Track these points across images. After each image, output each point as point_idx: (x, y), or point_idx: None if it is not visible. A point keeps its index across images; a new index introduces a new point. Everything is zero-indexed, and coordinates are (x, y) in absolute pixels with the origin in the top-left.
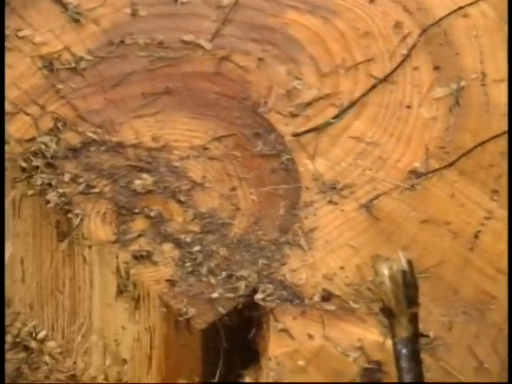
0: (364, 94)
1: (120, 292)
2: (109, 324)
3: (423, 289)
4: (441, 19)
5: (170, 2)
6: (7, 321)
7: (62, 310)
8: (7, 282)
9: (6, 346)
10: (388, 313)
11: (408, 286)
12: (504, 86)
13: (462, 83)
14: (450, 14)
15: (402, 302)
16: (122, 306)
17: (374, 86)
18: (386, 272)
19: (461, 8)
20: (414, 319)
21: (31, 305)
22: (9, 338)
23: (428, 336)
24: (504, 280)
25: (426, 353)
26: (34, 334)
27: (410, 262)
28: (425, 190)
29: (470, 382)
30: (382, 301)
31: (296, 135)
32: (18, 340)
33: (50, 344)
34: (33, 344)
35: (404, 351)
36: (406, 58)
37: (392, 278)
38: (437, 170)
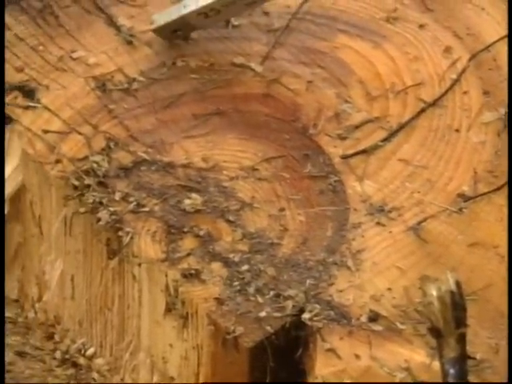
0: (413, 118)
1: (168, 310)
2: (157, 342)
3: (470, 311)
4: (490, 45)
5: (222, 25)
6: (57, 338)
7: (110, 327)
8: (57, 300)
9: (56, 363)
10: (436, 333)
11: (456, 306)
12: None
13: None
14: (499, 40)
15: (450, 323)
16: (171, 323)
17: (422, 110)
18: (434, 292)
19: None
20: (462, 340)
21: (80, 322)
22: (58, 355)
23: (475, 358)
24: None
25: (473, 374)
26: (82, 351)
27: (458, 283)
28: (473, 213)
29: (470, 381)
30: (431, 321)
31: (345, 157)
32: (67, 357)
33: (99, 361)
34: (81, 361)
35: (452, 371)
36: (456, 82)
37: (440, 298)
38: (485, 193)
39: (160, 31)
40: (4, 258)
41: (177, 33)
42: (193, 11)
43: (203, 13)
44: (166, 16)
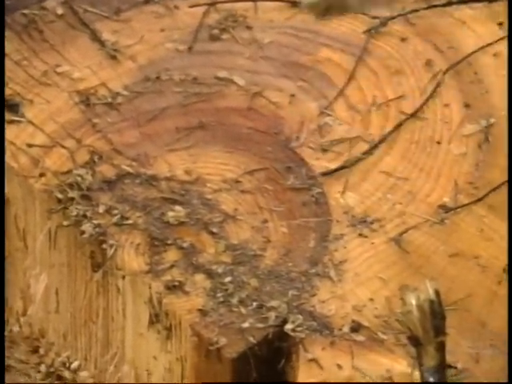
0: (393, 131)
1: (152, 322)
2: (141, 354)
3: (451, 321)
4: (467, 56)
5: (205, 39)
6: (41, 351)
7: (95, 340)
8: (42, 313)
9: (40, 376)
10: (415, 342)
11: (435, 315)
12: None
13: (492, 120)
14: (476, 51)
15: (429, 331)
16: (154, 335)
17: (400, 124)
18: (413, 301)
19: (488, 45)
20: (441, 348)
21: (65, 335)
22: (43, 368)
23: (455, 367)
24: None
25: None
26: (67, 364)
27: (437, 292)
28: (454, 224)
29: (470, 382)
30: (410, 330)
31: (325, 174)
32: (51, 370)
33: (83, 374)
34: (66, 374)
35: (431, 380)
36: (432, 94)
37: (419, 307)
38: (466, 204)
39: (312, 8)
40: (4, 259)
41: (330, 11)
42: None
43: None
44: None
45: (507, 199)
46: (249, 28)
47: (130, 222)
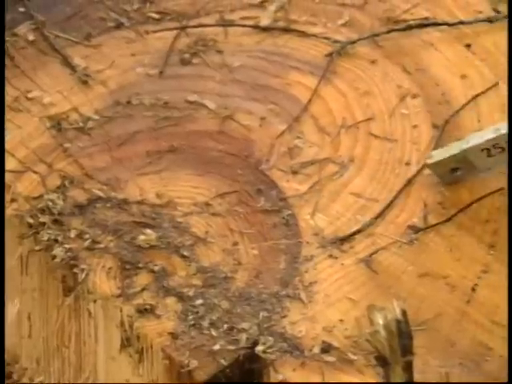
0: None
1: (124, 345)
2: (113, 377)
3: (421, 341)
4: (460, 108)
5: (176, 63)
6: (15, 377)
7: (68, 364)
8: (15, 339)
9: None
10: (383, 361)
11: (402, 334)
12: None
13: None
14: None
15: (396, 351)
16: (126, 359)
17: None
18: (380, 321)
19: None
20: (408, 368)
21: (38, 360)
22: None
23: None
24: (500, 332)
25: None
26: None
27: (404, 312)
28: (423, 244)
29: (469, 382)
30: (377, 349)
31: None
32: None
33: None
34: None
35: None
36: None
37: (386, 326)
38: (435, 225)
39: (436, 167)
40: (4, 258)
41: (456, 172)
42: (475, 146)
43: (486, 149)
44: (445, 151)
45: (507, 201)
46: (219, 52)
47: (101, 246)
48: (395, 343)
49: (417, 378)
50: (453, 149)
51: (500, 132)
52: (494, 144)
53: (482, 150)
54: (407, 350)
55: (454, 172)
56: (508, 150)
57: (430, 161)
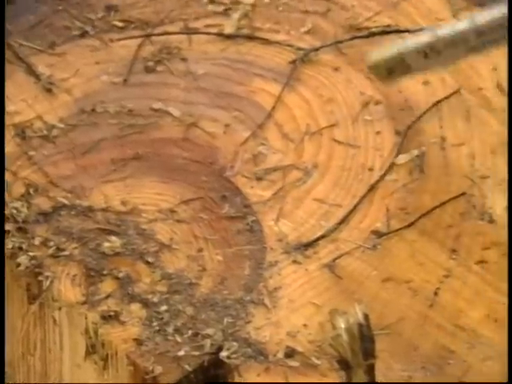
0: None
1: (89, 352)
2: None
3: (384, 345)
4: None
5: (140, 71)
6: None
7: (33, 372)
8: None
9: None
10: (345, 365)
11: (364, 338)
12: (463, 150)
13: (424, 149)
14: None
15: (358, 354)
16: (91, 366)
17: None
18: (342, 325)
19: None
20: (370, 371)
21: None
22: None
23: None
24: (462, 335)
25: None
26: None
27: (366, 315)
28: (386, 249)
29: (469, 382)
30: (339, 353)
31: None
32: None
33: None
34: None
35: None
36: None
37: (348, 330)
38: (397, 230)
39: (375, 68)
40: (4, 258)
41: (393, 73)
42: (412, 47)
43: (423, 51)
44: (382, 52)
45: (507, 202)
46: (183, 60)
47: (66, 253)
48: (357, 347)
49: (379, 381)
50: (390, 49)
51: (437, 35)
52: (431, 47)
53: (419, 52)
54: (369, 353)
55: (390, 73)
56: (508, 147)
57: (368, 62)
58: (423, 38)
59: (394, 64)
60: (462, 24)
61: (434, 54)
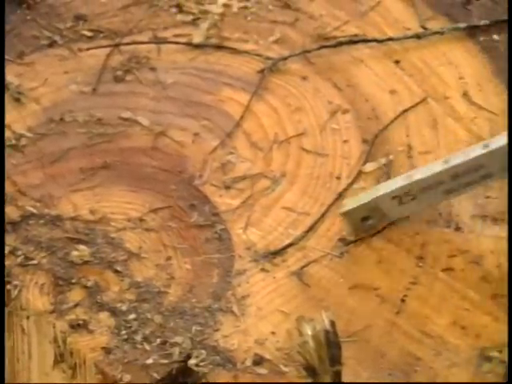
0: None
1: (57, 361)
2: None
3: (351, 352)
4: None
5: (109, 80)
6: None
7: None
8: None
9: None
10: (312, 371)
11: (331, 345)
12: (429, 158)
13: (391, 157)
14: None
15: (325, 361)
16: (60, 374)
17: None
18: (309, 332)
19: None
20: (337, 378)
21: None
22: None
23: None
24: (429, 342)
25: None
26: None
27: (332, 322)
28: (353, 257)
29: (469, 382)
30: (306, 360)
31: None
32: None
33: None
34: None
35: None
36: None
37: (315, 337)
38: (364, 238)
39: (349, 216)
40: (4, 254)
41: (368, 221)
42: (386, 194)
43: (397, 197)
44: (356, 199)
45: (507, 205)
46: (152, 69)
47: (34, 262)
48: (324, 353)
49: None
50: (364, 197)
51: (411, 179)
52: (406, 192)
53: (394, 198)
54: (336, 360)
55: (365, 221)
56: (508, 151)
57: (342, 210)
58: (397, 184)
59: (368, 211)
60: (436, 167)
61: (409, 198)
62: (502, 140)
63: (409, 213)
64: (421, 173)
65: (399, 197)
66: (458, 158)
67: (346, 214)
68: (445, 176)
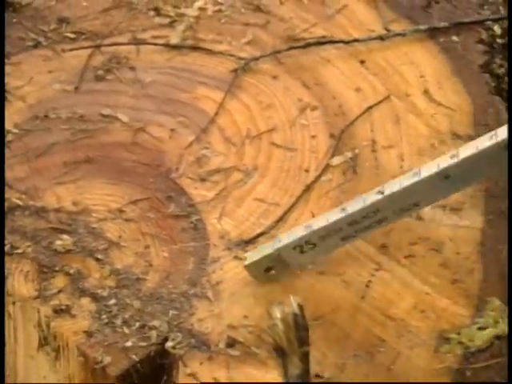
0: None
1: (41, 344)
2: (32, 375)
3: (319, 334)
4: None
5: (91, 79)
6: None
7: None
8: None
9: None
10: (281, 352)
11: (299, 327)
12: (392, 152)
13: (356, 151)
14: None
15: (293, 342)
16: (44, 357)
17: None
18: (278, 315)
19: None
20: (305, 358)
21: None
22: None
23: (323, 377)
24: (392, 325)
25: None
26: None
27: (300, 306)
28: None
29: (467, 381)
30: (275, 341)
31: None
32: None
33: None
34: None
35: None
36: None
37: (284, 320)
38: None
39: (252, 268)
40: (4, 258)
41: (270, 271)
42: (287, 244)
43: (298, 246)
44: (259, 251)
45: (508, 202)
46: (132, 69)
47: (19, 251)
48: (292, 335)
49: (314, 368)
50: (266, 249)
51: (311, 228)
52: (306, 241)
53: (295, 247)
54: (303, 341)
55: (268, 271)
56: (508, 151)
57: (245, 262)
58: (297, 234)
59: (270, 262)
60: (333, 215)
61: (310, 247)
62: (395, 185)
63: (310, 261)
64: (320, 222)
65: (300, 246)
66: (354, 206)
67: (250, 267)
68: (343, 223)
